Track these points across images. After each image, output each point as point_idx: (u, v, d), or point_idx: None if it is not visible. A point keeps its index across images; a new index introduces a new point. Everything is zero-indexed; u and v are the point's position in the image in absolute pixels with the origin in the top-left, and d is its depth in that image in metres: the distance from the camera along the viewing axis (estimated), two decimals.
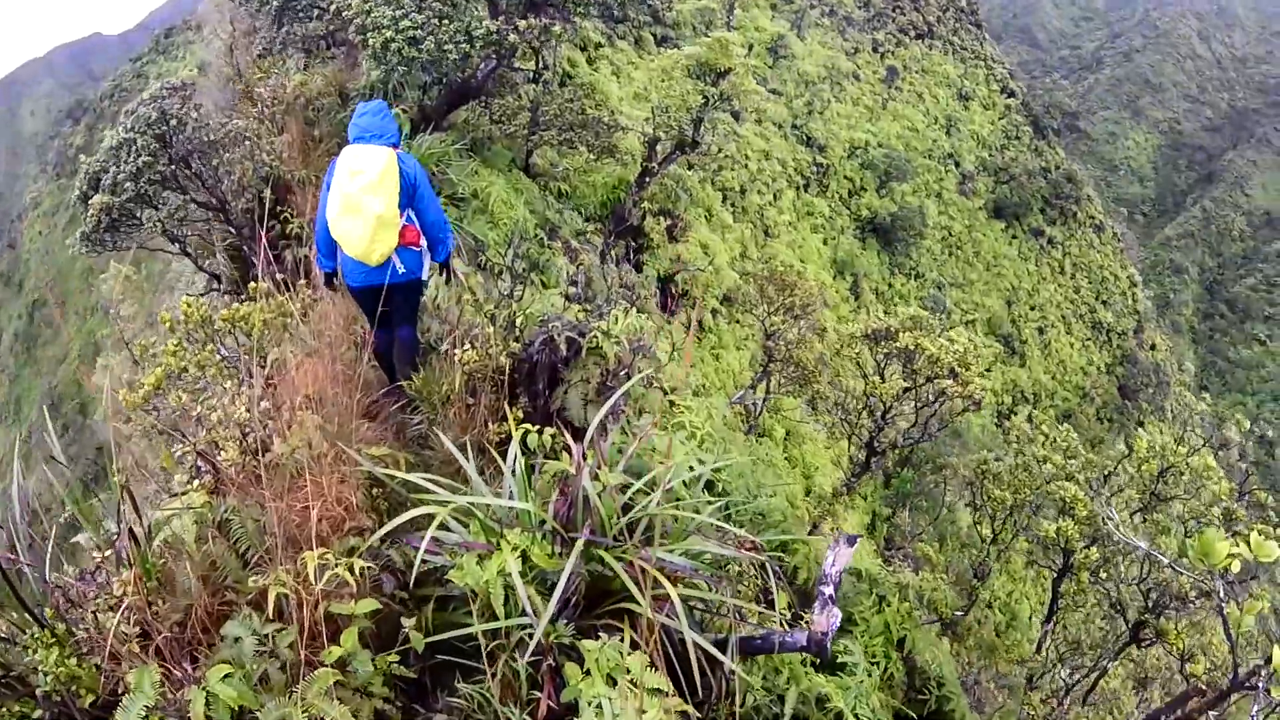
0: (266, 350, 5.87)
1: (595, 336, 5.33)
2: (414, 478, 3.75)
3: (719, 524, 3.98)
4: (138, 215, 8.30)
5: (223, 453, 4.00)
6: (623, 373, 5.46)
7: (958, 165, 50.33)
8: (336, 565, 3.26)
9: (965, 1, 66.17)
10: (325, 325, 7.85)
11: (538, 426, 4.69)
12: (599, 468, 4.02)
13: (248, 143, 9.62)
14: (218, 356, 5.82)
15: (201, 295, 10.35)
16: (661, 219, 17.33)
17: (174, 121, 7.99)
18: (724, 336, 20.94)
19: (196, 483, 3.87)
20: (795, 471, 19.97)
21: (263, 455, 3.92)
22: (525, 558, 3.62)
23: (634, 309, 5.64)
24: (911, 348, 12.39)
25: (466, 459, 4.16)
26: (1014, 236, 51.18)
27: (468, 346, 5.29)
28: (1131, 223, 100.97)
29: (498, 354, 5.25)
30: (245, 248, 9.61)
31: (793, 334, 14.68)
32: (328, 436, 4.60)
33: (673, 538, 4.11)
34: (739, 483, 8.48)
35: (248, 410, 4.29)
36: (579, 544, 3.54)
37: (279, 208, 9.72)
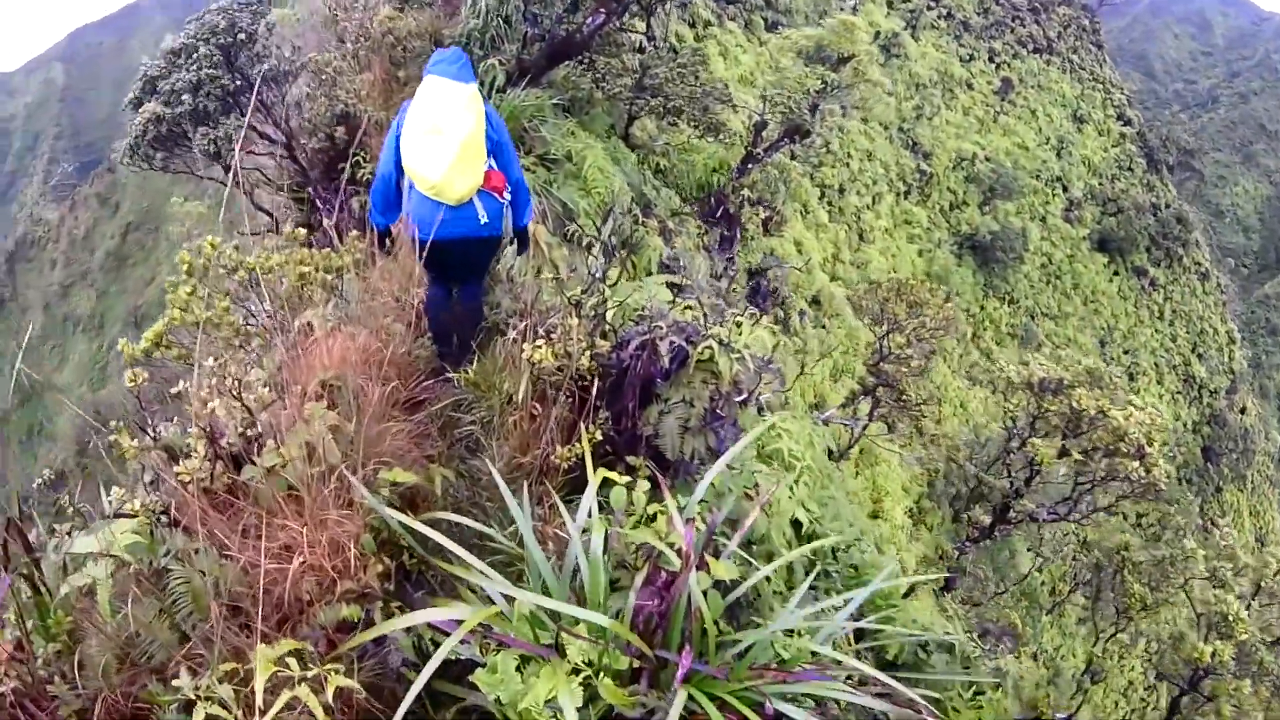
0: (297, 313, 4.74)
1: (709, 347, 4.02)
2: (441, 539, 2.52)
3: (865, 668, 2.64)
4: (189, 133, 7.24)
5: (184, 460, 2.80)
6: (738, 398, 4.17)
7: (1065, 190, 47.33)
8: (300, 681, 2.05)
9: (1088, 20, 62.49)
10: (379, 286, 6.70)
11: (619, 459, 3.44)
12: (707, 550, 2.73)
13: (325, 76, 8.54)
14: (234, 315, 4.70)
15: (250, 237, 9.39)
16: (759, 209, 15.92)
17: (241, 35, 6.89)
18: (809, 341, 19.44)
19: (140, 502, 2.67)
20: (864, 493, 18.44)
21: (238, 469, 2.75)
22: (588, 680, 2.37)
23: (756, 320, 4.33)
24: (1087, 410, 10.28)
25: (521, 505, 2.92)
26: (1115, 273, 47.98)
27: (541, 341, 4.01)
28: (1232, 274, 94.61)
29: (579, 354, 3.99)
30: (311, 190, 8.56)
31: (914, 362, 12.99)
32: (342, 442, 3.40)
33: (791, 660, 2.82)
34: (833, 524, 7.15)
35: (235, 396, 3.10)
36: (678, 685, 2.26)
37: (352, 150, 8.63)
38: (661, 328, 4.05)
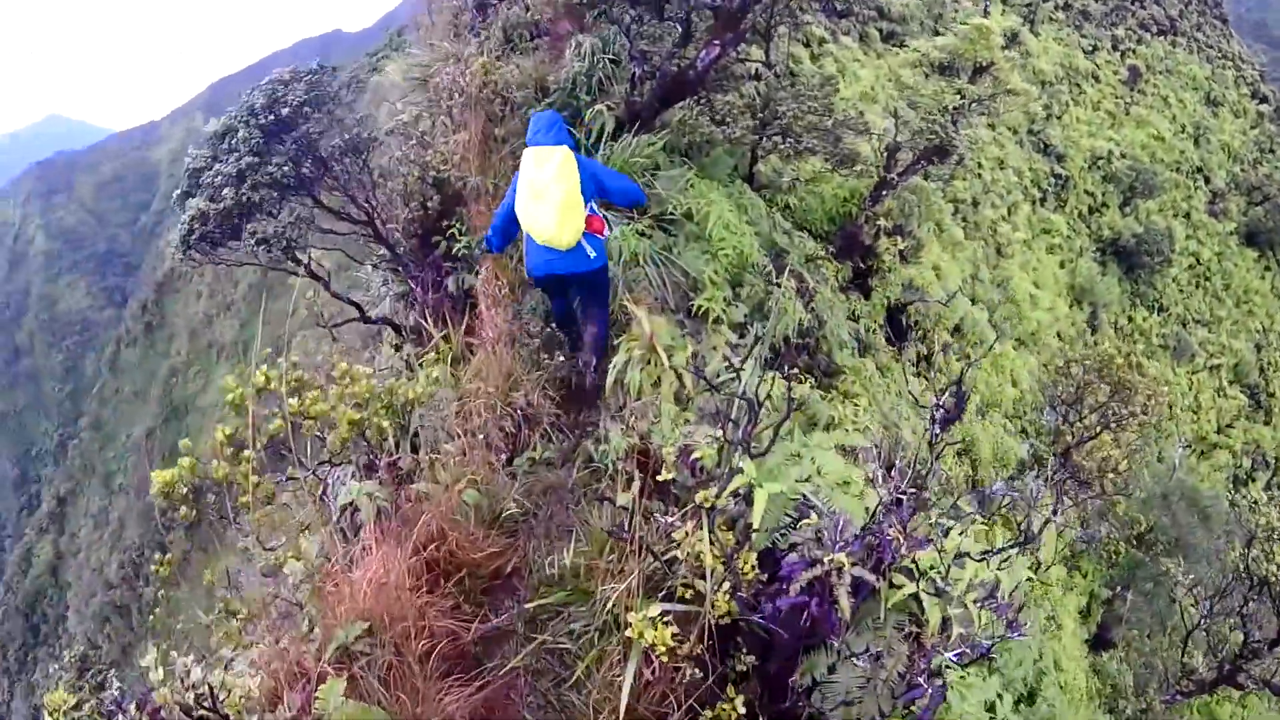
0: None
1: (901, 579, 2.52)
2: None
3: None
4: (241, 226, 6.25)
5: None
6: (949, 653, 2.68)
7: (1208, 181, 42.54)
8: None
9: None
10: (473, 389, 5.47)
11: None
12: None
13: (415, 140, 7.47)
14: (270, 479, 3.60)
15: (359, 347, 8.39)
16: (896, 239, 14.13)
17: (285, 110, 5.82)
18: (954, 377, 17.29)
19: None
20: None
21: None
22: None
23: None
24: None
25: None
26: (1267, 268, 42.66)
27: (654, 612, 2.57)
28: None
29: (714, 590, 2.57)
30: (403, 269, 7.48)
31: (1120, 462, 10.71)
32: None
33: None
34: None
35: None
36: None
37: (445, 221, 7.52)
38: (841, 562, 2.58)
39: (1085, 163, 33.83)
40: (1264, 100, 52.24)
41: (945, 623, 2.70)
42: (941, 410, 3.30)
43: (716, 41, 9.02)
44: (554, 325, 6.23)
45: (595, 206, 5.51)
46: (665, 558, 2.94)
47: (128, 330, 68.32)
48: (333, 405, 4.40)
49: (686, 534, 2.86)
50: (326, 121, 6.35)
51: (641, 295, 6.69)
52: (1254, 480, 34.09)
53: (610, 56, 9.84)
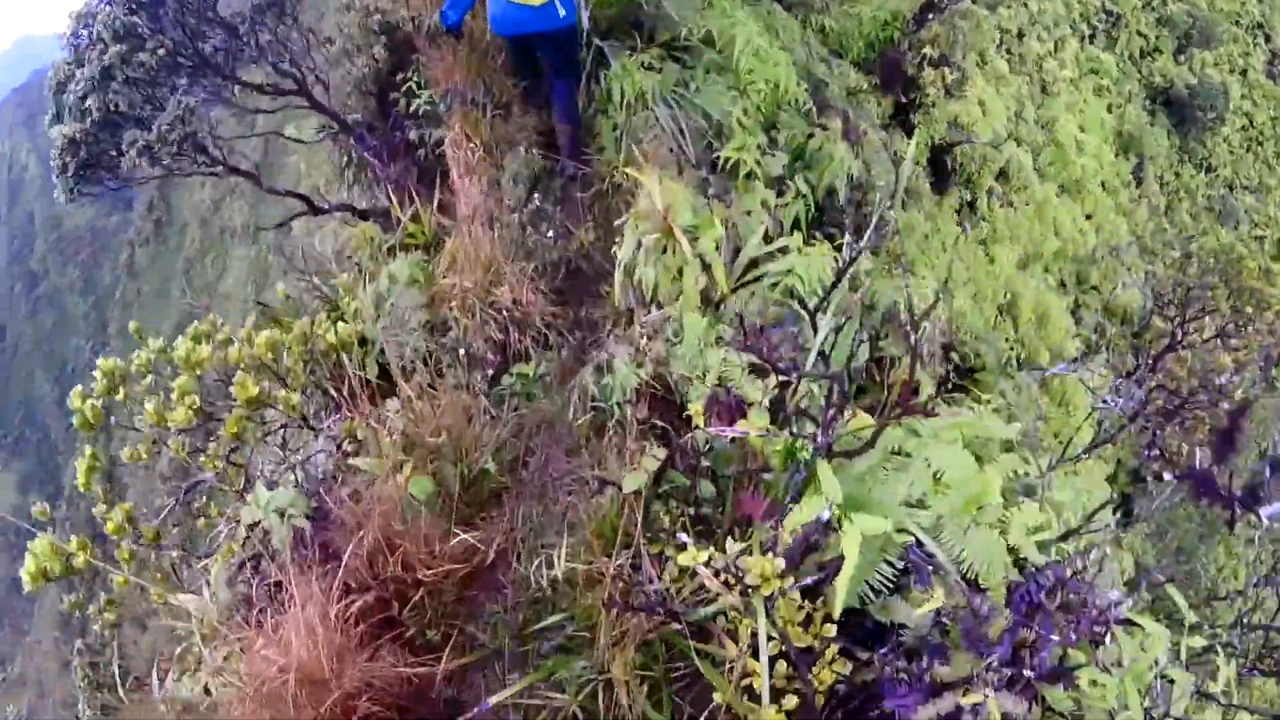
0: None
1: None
2: None
3: None
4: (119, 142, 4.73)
5: None
6: None
7: (1268, 40, 38.36)
8: None
9: None
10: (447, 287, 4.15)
11: None
12: None
13: None
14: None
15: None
16: (943, 70, 12.19)
17: None
18: (998, 225, 15.60)
19: None
20: None
21: None
22: None
23: None
24: None
25: None
26: None
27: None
28: None
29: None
30: (354, 140, 5.93)
31: (1235, 389, 8.88)
32: None
33: None
34: None
35: None
36: None
37: (401, 74, 5.92)
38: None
39: (1139, 1, 30.45)
40: None
41: None
42: None
43: None
44: (518, 83, 5.55)
45: None
46: (688, 619, 1.65)
47: (138, 231, 67.28)
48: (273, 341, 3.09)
49: (720, 593, 1.55)
50: None
51: (651, 147, 5.15)
52: None
53: None
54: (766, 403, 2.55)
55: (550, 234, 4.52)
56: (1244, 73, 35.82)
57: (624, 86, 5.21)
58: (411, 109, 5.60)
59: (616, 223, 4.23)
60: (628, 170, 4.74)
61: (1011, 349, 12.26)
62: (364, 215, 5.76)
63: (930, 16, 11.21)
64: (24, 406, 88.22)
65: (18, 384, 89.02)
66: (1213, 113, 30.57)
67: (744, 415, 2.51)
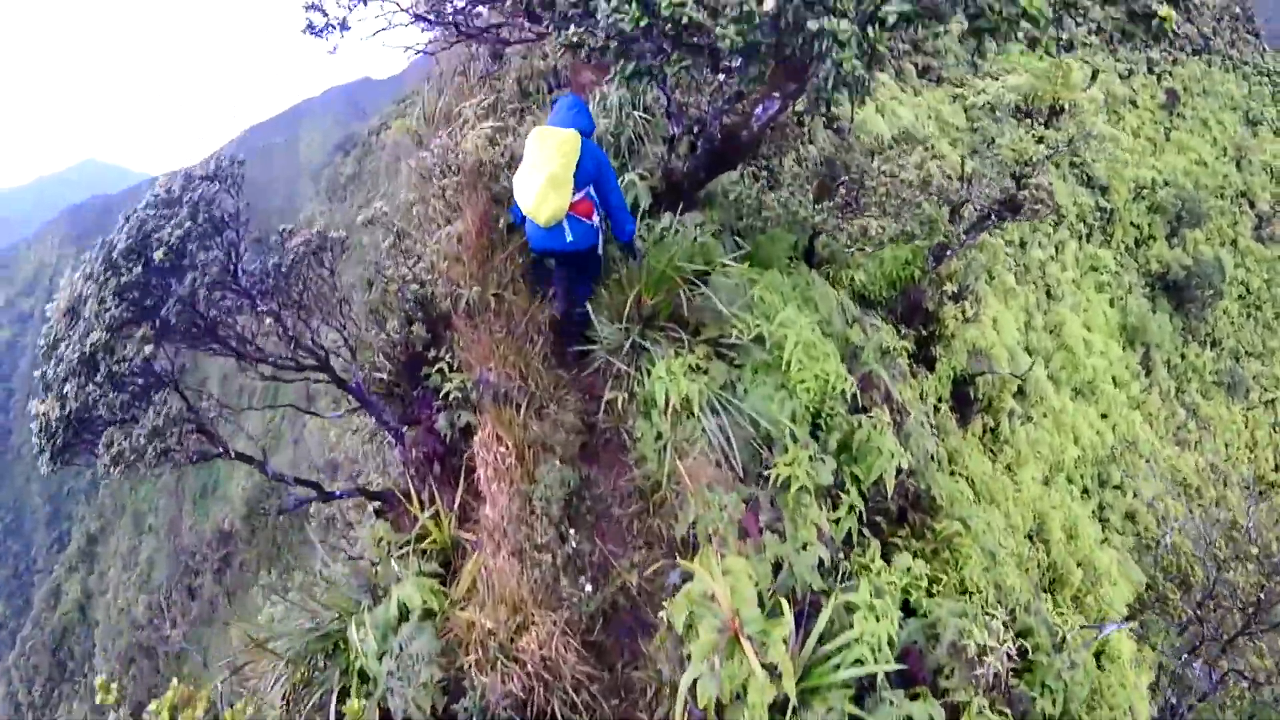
0: None
1: None
2: None
3: None
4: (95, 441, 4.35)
5: None
6: None
7: (1252, 206, 40.14)
8: None
9: (1239, 7, 54.48)
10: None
11: None
12: None
13: (390, 238, 5.60)
14: None
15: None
16: (963, 305, 12.15)
17: (160, 252, 3.94)
18: (1021, 447, 15.23)
19: None
20: None
21: None
22: None
23: None
24: None
25: None
26: None
27: None
28: None
29: None
30: (375, 418, 5.56)
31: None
32: None
33: None
34: None
35: None
36: None
37: (433, 351, 5.60)
38: None
39: (1130, 193, 31.56)
40: None
41: None
42: None
43: (776, 94, 7.09)
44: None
45: (592, 192, 5.25)
46: None
47: None
48: None
49: None
50: (225, 251, 4.46)
51: (698, 464, 4.75)
52: None
53: (642, 113, 8.00)
54: None
55: (588, 587, 4.02)
56: (1234, 242, 36.77)
57: (669, 391, 4.88)
58: (442, 392, 5.25)
59: (664, 606, 3.72)
60: (674, 485, 4.35)
61: (1058, 612, 11.59)
62: (377, 497, 5.31)
63: (949, 253, 11.24)
64: (13, 513, 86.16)
65: (10, 492, 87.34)
66: (1210, 290, 31.04)
67: None
